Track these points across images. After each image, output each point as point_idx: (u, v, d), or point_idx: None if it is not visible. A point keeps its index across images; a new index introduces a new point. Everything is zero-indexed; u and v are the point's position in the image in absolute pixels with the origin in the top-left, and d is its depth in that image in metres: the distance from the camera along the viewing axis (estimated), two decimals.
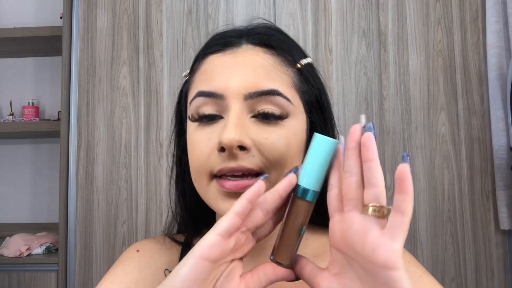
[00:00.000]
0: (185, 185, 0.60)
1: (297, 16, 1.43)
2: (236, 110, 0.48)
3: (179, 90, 0.60)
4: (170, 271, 0.57)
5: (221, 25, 1.44)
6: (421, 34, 1.41)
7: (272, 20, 1.42)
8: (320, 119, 0.56)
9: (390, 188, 1.36)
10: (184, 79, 0.59)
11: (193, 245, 0.59)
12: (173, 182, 0.62)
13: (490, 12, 1.36)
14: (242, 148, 0.47)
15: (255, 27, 0.57)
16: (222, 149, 0.47)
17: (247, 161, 0.47)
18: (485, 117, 1.37)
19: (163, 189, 1.41)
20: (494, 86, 1.34)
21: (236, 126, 0.47)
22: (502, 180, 1.31)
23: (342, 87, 1.40)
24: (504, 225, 1.30)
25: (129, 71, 1.46)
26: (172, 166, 0.62)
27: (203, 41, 0.59)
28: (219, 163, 0.48)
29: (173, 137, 0.62)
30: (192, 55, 1.44)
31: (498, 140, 1.33)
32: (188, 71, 0.58)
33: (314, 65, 0.59)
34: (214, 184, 0.49)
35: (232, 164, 0.47)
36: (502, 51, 1.35)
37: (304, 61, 0.56)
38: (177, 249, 0.60)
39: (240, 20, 1.43)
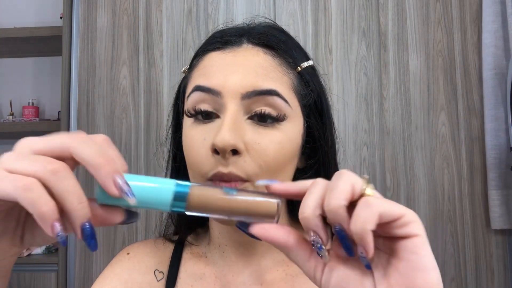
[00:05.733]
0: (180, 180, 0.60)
1: (297, 16, 1.43)
2: (232, 111, 0.48)
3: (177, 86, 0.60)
4: (160, 271, 0.58)
5: (221, 25, 1.44)
6: (421, 34, 1.41)
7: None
8: (318, 123, 0.55)
9: (390, 188, 1.36)
10: (183, 75, 0.59)
11: (186, 243, 0.60)
12: (167, 176, 0.62)
13: (487, 12, 1.36)
14: (235, 152, 0.46)
15: (256, 26, 0.57)
16: (215, 151, 0.47)
17: (237, 167, 0.47)
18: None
19: None
20: (489, 85, 1.34)
21: (231, 129, 0.46)
22: (496, 180, 1.31)
23: (342, 87, 1.40)
24: (496, 224, 1.30)
25: (129, 71, 1.46)
26: (168, 161, 0.62)
27: (203, 41, 0.59)
28: (213, 167, 0.47)
29: (169, 133, 0.62)
30: (192, 55, 1.43)
31: (492, 140, 1.33)
32: (187, 66, 0.58)
33: (316, 68, 0.58)
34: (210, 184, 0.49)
35: (223, 170, 0.47)
36: (498, 50, 1.35)
37: (305, 64, 0.55)
38: (169, 249, 0.60)
39: (240, 20, 1.43)
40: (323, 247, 0.34)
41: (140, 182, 0.34)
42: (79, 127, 1.45)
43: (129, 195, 0.33)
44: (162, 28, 1.46)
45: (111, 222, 0.35)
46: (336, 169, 0.58)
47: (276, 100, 0.49)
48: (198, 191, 0.35)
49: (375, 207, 0.32)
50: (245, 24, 0.59)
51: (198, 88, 0.50)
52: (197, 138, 0.49)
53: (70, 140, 0.32)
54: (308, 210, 0.33)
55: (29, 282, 1.46)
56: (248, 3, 1.45)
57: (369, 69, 1.40)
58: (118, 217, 0.35)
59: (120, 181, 0.33)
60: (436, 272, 0.33)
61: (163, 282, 0.57)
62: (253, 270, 0.56)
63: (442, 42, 1.40)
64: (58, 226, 0.30)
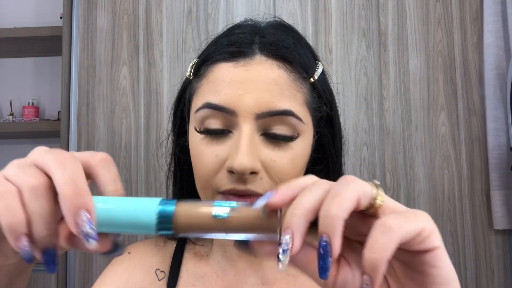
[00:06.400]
0: (183, 183, 0.60)
1: (297, 16, 1.43)
2: (247, 132, 0.47)
3: (179, 88, 0.59)
4: (161, 271, 0.58)
5: (221, 25, 1.44)
6: (421, 34, 1.41)
7: None
8: (329, 132, 0.56)
9: (390, 188, 1.36)
10: (185, 76, 0.57)
11: (188, 242, 0.60)
12: (169, 179, 0.63)
13: (488, 12, 1.36)
14: (252, 172, 0.46)
15: (266, 29, 0.54)
16: (232, 171, 0.46)
17: (255, 185, 0.47)
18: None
19: (163, 190, 1.41)
20: (490, 85, 1.34)
21: (248, 151, 0.45)
22: (497, 180, 1.31)
23: (342, 87, 1.40)
24: (498, 225, 1.30)
25: (129, 71, 1.46)
26: (170, 163, 0.62)
27: (203, 41, 0.57)
28: (227, 183, 0.47)
29: (171, 136, 0.62)
30: (192, 55, 1.44)
31: (493, 140, 1.33)
32: (191, 71, 0.55)
33: (325, 71, 0.56)
34: (220, 198, 0.49)
35: (240, 187, 0.47)
36: (499, 51, 1.35)
37: (317, 74, 0.53)
38: (171, 249, 0.61)
39: (240, 20, 1.43)
40: (288, 253, 0.29)
41: (121, 205, 0.29)
42: (79, 127, 1.45)
43: (88, 238, 0.28)
44: (162, 28, 1.46)
45: (87, 249, 0.30)
46: (340, 171, 0.59)
47: (291, 120, 0.48)
48: (186, 208, 0.30)
49: (396, 232, 0.28)
50: (251, 21, 0.57)
51: (209, 106, 0.48)
52: (208, 153, 0.49)
53: (52, 160, 0.29)
54: (300, 208, 0.29)
55: (29, 282, 1.45)
56: (248, 3, 1.45)
57: (369, 69, 1.40)
58: (103, 246, 0.30)
59: (83, 220, 0.28)
60: (456, 282, 0.31)
61: (164, 281, 0.57)
62: (255, 269, 0.56)
63: (442, 42, 1.40)
64: (24, 241, 0.28)
